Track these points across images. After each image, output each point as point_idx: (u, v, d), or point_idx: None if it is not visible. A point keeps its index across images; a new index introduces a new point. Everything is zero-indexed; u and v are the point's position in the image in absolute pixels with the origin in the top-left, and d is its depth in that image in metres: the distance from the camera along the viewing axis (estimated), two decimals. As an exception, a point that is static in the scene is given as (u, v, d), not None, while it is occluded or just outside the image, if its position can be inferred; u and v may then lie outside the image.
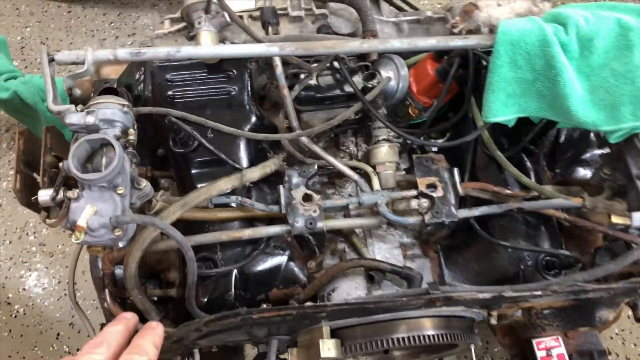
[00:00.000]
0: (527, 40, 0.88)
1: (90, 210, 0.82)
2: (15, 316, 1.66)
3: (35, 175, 1.38)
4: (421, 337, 0.93)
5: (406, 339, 0.93)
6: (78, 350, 1.62)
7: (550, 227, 1.07)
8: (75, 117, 0.87)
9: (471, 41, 0.89)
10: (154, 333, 0.70)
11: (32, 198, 0.91)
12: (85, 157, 0.87)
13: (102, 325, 1.04)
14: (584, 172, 1.07)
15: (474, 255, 1.10)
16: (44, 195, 0.89)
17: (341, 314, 0.87)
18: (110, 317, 1.06)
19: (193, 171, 1.06)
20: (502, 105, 0.93)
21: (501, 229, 1.08)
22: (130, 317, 0.72)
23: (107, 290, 1.06)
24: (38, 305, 1.67)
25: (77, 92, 0.92)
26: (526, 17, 0.91)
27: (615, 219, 0.88)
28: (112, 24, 2.29)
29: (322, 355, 0.91)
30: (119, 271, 1.05)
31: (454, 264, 1.10)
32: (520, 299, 0.88)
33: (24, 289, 1.70)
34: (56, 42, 2.24)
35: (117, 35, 2.27)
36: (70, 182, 0.92)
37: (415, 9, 1.32)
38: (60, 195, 0.86)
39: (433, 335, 0.94)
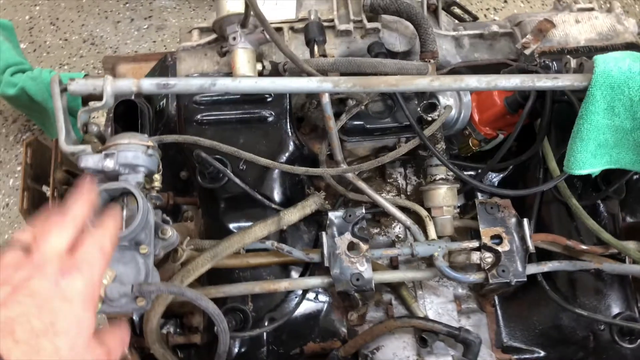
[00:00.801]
0: (632, 84, 0.73)
1: (108, 277, 0.70)
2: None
3: (44, 188, 1.26)
4: None
5: None
6: None
7: (626, 283, 0.94)
8: (91, 159, 0.74)
9: (562, 82, 0.75)
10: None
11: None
12: (103, 208, 0.74)
13: None
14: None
15: (536, 309, 0.97)
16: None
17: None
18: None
19: (222, 206, 0.94)
20: (590, 157, 0.79)
21: (569, 283, 0.95)
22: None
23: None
24: None
25: (94, 128, 0.78)
26: (628, 53, 0.76)
27: None
28: (127, 5, 2.13)
29: None
30: (137, 318, 0.94)
31: (514, 319, 0.98)
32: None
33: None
34: (67, 24, 2.08)
35: (133, 18, 2.11)
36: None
37: (475, 17, 1.16)
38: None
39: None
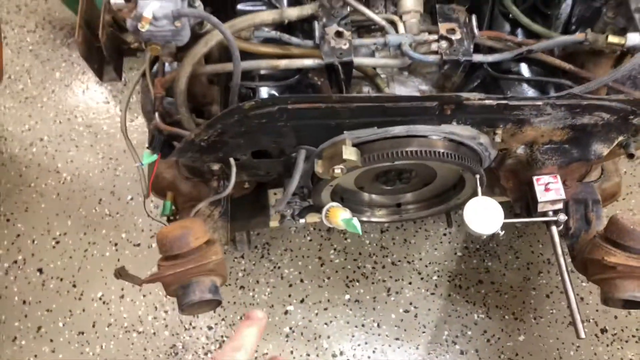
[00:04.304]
0: None
1: (156, 4, 0.96)
2: (64, 182, 1.83)
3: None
4: (430, 152, 1.06)
5: (417, 152, 1.05)
6: (118, 214, 1.78)
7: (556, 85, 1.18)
8: None
9: None
10: (260, 325, 0.68)
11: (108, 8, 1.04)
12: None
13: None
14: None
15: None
16: (116, -3, 1.03)
17: (364, 112, 1.00)
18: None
19: (238, 7, 1.20)
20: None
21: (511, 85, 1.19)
22: (261, 318, 0.69)
23: (157, 113, 1.21)
24: (83, 175, 1.84)
25: None
26: None
27: (611, 39, 0.99)
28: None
29: (344, 157, 1.04)
30: (168, 100, 1.20)
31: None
32: (523, 111, 0.99)
33: (72, 161, 1.86)
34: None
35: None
36: None
37: None
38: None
39: (442, 152, 1.07)
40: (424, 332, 1.56)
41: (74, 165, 1.86)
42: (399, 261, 1.66)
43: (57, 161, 1.87)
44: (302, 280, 1.65)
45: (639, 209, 1.75)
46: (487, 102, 0.98)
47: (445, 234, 1.69)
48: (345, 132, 1.06)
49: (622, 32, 1.05)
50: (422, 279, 1.63)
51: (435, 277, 1.63)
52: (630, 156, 1.10)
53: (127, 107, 1.35)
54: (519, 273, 1.64)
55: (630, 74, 1.14)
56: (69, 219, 1.78)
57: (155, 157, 1.21)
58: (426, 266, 1.65)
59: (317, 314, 1.59)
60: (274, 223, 1.51)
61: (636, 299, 1.05)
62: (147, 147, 1.27)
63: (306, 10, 1.17)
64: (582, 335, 1.08)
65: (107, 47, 1.44)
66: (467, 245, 1.68)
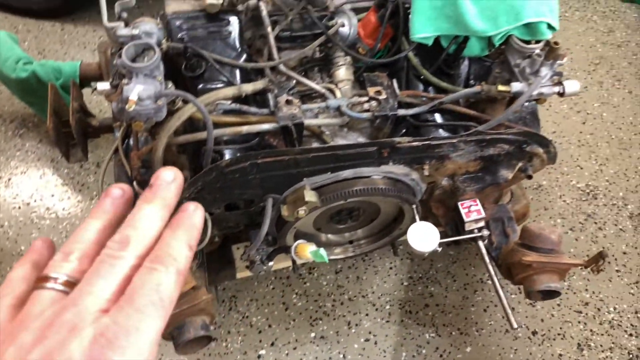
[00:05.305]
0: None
1: (140, 87, 1.16)
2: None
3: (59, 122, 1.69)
4: (374, 189, 1.30)
5: (364, 190, 1.29)
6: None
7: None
8: (124, 30, 1.23)
9: (397, -20, 1.32)
10: (191, 225, 0.53)
11: (92, 84, 1.22)
12: (132, 58, 1.21)
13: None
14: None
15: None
16: (103, 85, 1.22)
17: (319, 160, 1.23)
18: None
19: (199, 87, 1.41)
20: (422, 26, 1.35)
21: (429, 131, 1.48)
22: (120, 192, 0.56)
23: (135, 182, 1.38)
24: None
25: (124, 15, 1.27)
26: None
27: (500, 88, 1.29)
28: (102, 38, 2.65)
29: (306, 199, 1.25)
30: (143, 170, 1.38)
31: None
32: (442, 149, 1.26)
33: (36, 242, 1.95)
34: (52, 53, 2.57)
35: (106, 46, 2.63)
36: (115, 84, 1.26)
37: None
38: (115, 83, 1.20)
39: (384, 188, 1.31)
40: (384, 357, 1.74)
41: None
42: (355, 296, 1.85)
43: (19, 244, 1.95)
44: (270, 326, 1.80)
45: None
46: (415, 143, 1.24)
47: (391, 267, 1.92)
48: (304, 179, 1.28)
49: (508, 82, 1.36)
50: (376, 309, 1.83)
51: (387, 307, 1.84)
52: (529, 177, 1.38)
53: (103, 182, 1.51)
54: (459, 293, 1.87)
55: (521, 114, 1.47)
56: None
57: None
58: (379, 298, 1.85)
59: (287, 354, 1.74)
60: (240, 274, 1.68)
61: (550, 288, 1.30)
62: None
63: (259, 85, 1.41)
64: (515, 325, 1.31)
65: (76, 131, 1.61)
66: (411, 275, 1.90)
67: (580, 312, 1.85)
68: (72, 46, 2.62)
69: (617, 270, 1.96)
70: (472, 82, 1.52)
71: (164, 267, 0.47)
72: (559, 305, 1.86)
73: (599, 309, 1.86)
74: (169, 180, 0.55)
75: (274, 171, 1.24)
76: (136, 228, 0.50)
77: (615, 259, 1.99)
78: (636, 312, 1.86)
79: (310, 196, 1.26)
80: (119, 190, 0.55)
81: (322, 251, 1.24)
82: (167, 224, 0.53)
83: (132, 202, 0.56)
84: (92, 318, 0.43)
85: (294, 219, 1.30)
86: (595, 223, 2.08)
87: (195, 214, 0.55)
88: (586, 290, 1.91)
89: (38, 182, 2.11)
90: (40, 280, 0.48)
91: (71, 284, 0.47)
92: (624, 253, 2.00)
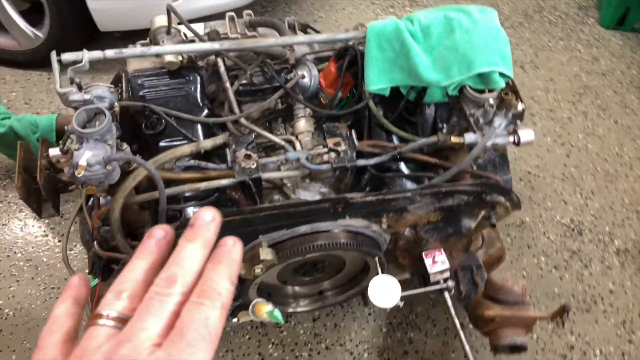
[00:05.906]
0: (387, 30, 1.31)
1: (89, 154, 1.17)
2: (5, 318, 1.90)
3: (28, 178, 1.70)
4: (333, 244, 1.28)
5: (322, 245, 1.27)
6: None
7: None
8: (77, 95, 1.24)
9: (351, 35, 1.32)
10: (231, 259, 0.54)
11: (45, 154, 1.23)
12: (84, 122, 1.22)
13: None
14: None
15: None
16: (54, 151, 1.23)
17: (272, 218, 1.21)
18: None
19: (161, 144, 1.42)
20: (376, 78, 1.35)
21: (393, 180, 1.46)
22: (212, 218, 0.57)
23: (95, 242, 1.37)
24: (26, 308, 1.92)
25: (77, 80, 1.28)
26: (386, 18, 1.35)
27: (453, 139, 1.28)
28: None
29: (261, 257, 1.24)
30: (104, 229, 1.38)
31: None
32: (398, 202, 1.24)
33: (13, 296, 1.95)
34: (38, 102, 2.61)
35: (91, 94, 2.66)
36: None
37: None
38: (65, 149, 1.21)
39: (343, 242, 1.29)
40: (362, 408, 1.70)
41: (16, 300, 1.94)
42: (332, 345, 1.82)
43: (-2, 298, 1.95)
44: (245, 378, 1.77)
45: (531, 267, 2.02)
46: (368, 198, 1.23)
47: (370, 314, 1.88)
48: (260, 236, 1.27)
49: (465, 130, 1.35)
50: (354, 358, 1.79)
51: (365, 355, 1.80)
52: (493, 225, 1.36)
53: (67, 239, 1.50)
54: (439, 339, 1.83)
55: (490, 157, 1.45)
56: (14, 354, 1.84)
57: (96, 281, 1.36)
58: (357, 345, 1.82)
59: (263, 408, 1.70)
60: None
61: (516, 343, 1.27)
62: (89, 273, 1.42)
63: (219, 140, 1.41)
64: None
65: (45, 188, 1.62)
66: (390, 320, 1.87)
67: (565, 357, 1.80)
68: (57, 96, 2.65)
69: (604, 311, 1.91)
70: (440, 125, 1.51)
71: (210, 301, 0.50)
72: (543, 350, 1.81)
73: (584, 353, 1.81)
74: (208, 220, 0.57)
75: (228, 230, 1.22)
76: (181, 266, 0.52)
77: (602, 298, 1.93)
78: (623, 355, 1.80)
79: (265, 254, 1.25)
80: (161, 232, 0.57)
81: (277, 312, 1.22)
82: (208, 260, 0.55)
83: (173, 242, 0.57)
84: (147, 352, 0.46)
85: (252, 276, 1.28)
86: (581, 260, 2.04)
87: (234, 248, 0.56)
88: (571, 332, 1.85)
89: (19, 234, 2.12)
90: (94, 317, 0.50)
91: (123, 321, 0.50)
92: (611, 291, 1.95)
